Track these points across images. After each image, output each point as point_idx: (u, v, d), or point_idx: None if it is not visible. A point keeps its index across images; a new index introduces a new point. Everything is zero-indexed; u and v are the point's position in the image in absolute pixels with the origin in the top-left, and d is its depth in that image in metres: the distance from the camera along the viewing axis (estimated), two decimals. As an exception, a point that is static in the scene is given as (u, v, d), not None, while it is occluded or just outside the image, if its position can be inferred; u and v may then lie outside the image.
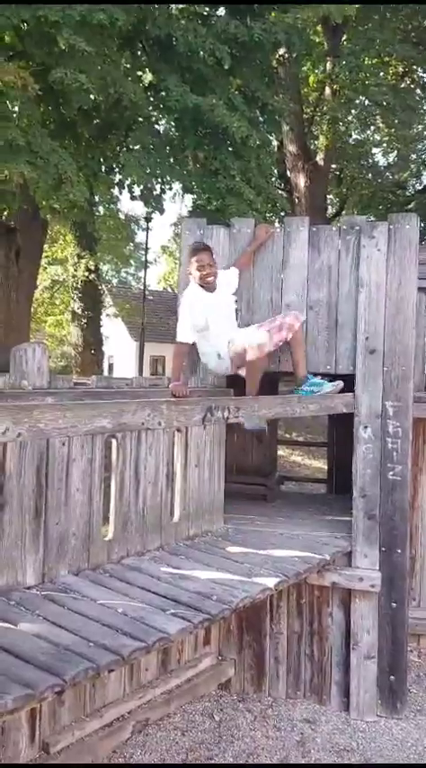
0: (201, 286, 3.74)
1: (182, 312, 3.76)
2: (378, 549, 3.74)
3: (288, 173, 14.60)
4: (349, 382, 3.76)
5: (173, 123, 8.55)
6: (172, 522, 3.46)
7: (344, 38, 12.01)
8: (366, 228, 3.76)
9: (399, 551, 3.74)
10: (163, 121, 9.01)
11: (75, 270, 17.22)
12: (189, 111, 7.47)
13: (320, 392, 3.64)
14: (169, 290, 28.15)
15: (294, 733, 3.59)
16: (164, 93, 7.80)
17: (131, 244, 21.67)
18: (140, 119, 8.22)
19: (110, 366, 25.60)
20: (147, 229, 19.42)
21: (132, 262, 25.20)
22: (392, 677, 3.75)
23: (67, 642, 2.20)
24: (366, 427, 3.76)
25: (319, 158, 14.12)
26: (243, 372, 3.69)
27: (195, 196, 8.63)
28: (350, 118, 12.74)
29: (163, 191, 9.06)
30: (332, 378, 3.75)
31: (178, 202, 16.14)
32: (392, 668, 3.75)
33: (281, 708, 3.81)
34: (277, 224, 4.16)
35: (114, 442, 3.04)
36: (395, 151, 15.48)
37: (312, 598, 3.88)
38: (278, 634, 3.93)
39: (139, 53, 8.73)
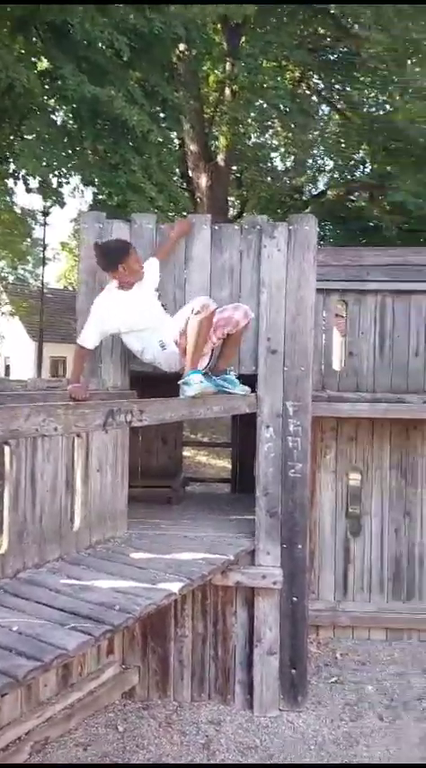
0: (119, 288, 3.57)
1: (93, 316, 3.54)
2: (280, 545, 3.79)
3: (190, 172, 14.62)
4: (250, 383, 3.78)
5: (70, 114, 8.28)
6: (72, 531, 3.32)
7: (243, 39, 12.16)
8: (266, 228, 3.78)
9: (299, 547, 3.81)
10: (60, 111, 8.71)
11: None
12: (87, 102, 7.26)
13: (228, 390, 3.61)
14: (70, 288, 27.34)
15: (199, 736, 3.56)
16: (60, 82, 7.53)
17: (29, 239, 20.82)
18: (35, 107, 7.89)
19: (7, 368, 24.57)
20: (45, 224, 18.78)
21: (30, 258, 24.27)
22: (293, 671, 3.82)
23: None
24: (268, 427, 3.79)
25: (220, 159, 14.24)
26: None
27: (95, 190, 8.41)
28: (249, 120, 12.93)
29: (61, 184, 8.76)
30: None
31: (78, 197, 15.67)
32: (293, 662, 3.82)
33: (186, 712, 3.78)
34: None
35: (7, 448, 2.86)
36: (292, 156, 15.91)
37: (216, 599, 3.87)
38: (182, 637, 3.89)
39: (34, 39, 8.37)
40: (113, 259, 3.52)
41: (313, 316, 3.81)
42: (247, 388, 3.70)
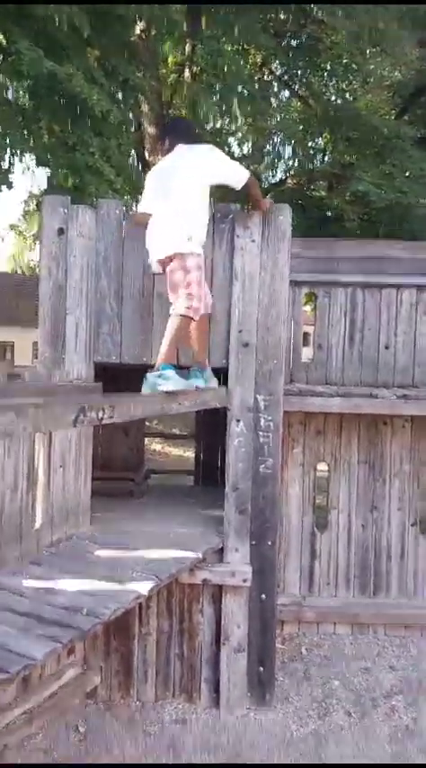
0: None
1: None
2: (249, 542, 3.73)
3: (147, 154, 14.29)
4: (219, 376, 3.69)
5: (25, 90, 7.89)
6: (33, 529, 3.16)
7: (204, 20, 11.89)
8: (240, 218, 3.67)
9: (269, 544, 3.75)
10: (13, 88, 8.28)
11: None
12: (44, 79, 6.92)
13: (200, 386, 3.48)
14: (18, 271, 26.41)
15: (164, 736, 3.48)
16: (14, 57, 7.14)
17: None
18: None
19: None
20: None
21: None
22: (261, 668, 3.77)
23: None
24: (238, 421, 3.71)
25: (178, 143, 13.95)
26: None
27: (50, 171, 8.07)
28: (209, 103, 12.71)
29: (11, 163, 8.35)
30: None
31: (30, 177, 15.03)
32: (261, 660, 3.77)
33: (150, 711, 3.69)
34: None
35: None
36: (251, 142, 15.75)
37: (183, 596, 3.78)
38: (146, 635, 3.80)
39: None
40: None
41: (287, 308, 3.73)
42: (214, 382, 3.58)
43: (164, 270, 3.30)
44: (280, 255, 3.66)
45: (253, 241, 3.64)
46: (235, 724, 3.61)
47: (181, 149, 3.38)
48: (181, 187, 3.23)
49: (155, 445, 10.87)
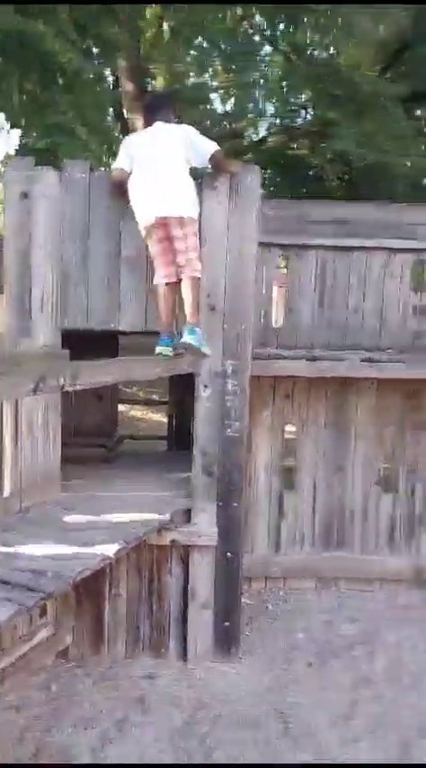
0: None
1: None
2: (216, 504, 3.81)
3: (126, 112, 13.91)
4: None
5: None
6: (2, 498, 3.20)
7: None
8: (207, 179, 3.63)
9: (235, 505, 3.84)
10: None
11: None
12: (12, 37, 6.67)
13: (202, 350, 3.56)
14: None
15: (133, 690, 3.61)
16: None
17: None
18: None
19: None
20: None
21: None
22: (226, 623, 3.90)
23: None
24: (206, 386, 3.74)
25: (157, 99, 13.61)
26: None
27: (22, 132, 7.85)
28: (188, 59, 12.36)
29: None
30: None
31: (5, 139, 14.54)
32: (226, 615, 3.90)
33: (121, 668, 3.82)
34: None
35: None
36: (232, 98, 15.39)
37: (151, 557, 3.88)
38: (116, 596, 3.90)
39: None
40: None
41: (254, 272, 3.73)
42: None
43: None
44: (248, 217, 3.64)
45: (220, 203, 3.61)
46: (200, 676, 3.75)
47: (159, 126, 3.57)
48: (168, 161, 3.43)
49: (134, 411, 10.90)
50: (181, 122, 3.71)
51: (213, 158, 3.51)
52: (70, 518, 3.35)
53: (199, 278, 3.47)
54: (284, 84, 12.86)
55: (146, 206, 3.43)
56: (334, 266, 4.48)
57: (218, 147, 3.49)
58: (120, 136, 12.55)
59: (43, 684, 3.59)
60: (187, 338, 3.42)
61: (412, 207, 4.72)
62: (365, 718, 3.43)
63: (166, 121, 3.59)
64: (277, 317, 4.95)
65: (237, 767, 3.08)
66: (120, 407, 10.35)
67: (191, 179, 3.51)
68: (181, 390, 5.41)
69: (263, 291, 4.49)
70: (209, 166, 3.58)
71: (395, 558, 4.75)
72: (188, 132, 3.52)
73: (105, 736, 3.22)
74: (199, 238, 3.55)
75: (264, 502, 4.70)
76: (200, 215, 3.57)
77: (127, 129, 13.92)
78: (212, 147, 3.49)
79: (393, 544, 4.76)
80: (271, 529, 4.72)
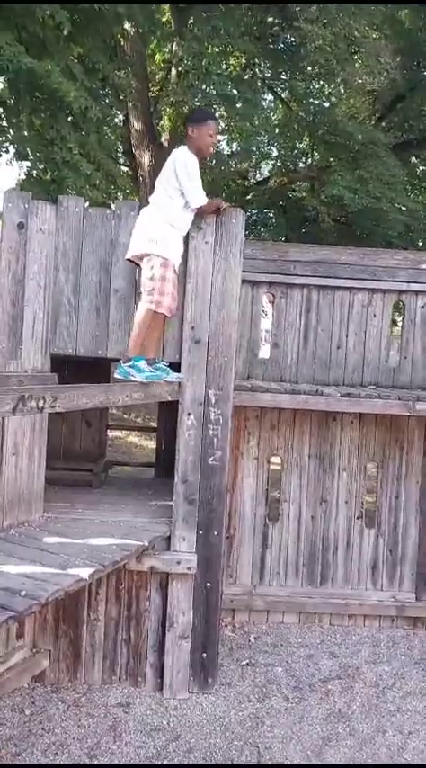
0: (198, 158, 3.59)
1: (197, 172, 3.57)
2: (196, 532, 3.85)
3: (134, 149, 14.34)
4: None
5: (5, 85, 7.95)
6: (-18, 515, 3.26)
7: (191, 20, 11.97)
8: (197, 220, 3.79)
9: (215, 534, 3.88)
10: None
11: None
12: (23, 74, 6.99)
13: (166, 379, 3.62)
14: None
15: (107, 718, 3.60)
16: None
17: None
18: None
19: None
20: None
21: None
22: (204, 654, 3.90)
23: None
24: (189, 414, 3.83)
25: (164, 139, 14.04)
26: None
27: (29, 165, 8.14)
28: (193, 103, 12.78)
29: (-5, 154, 8.41)
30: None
31: (16, 167, 14.88)
32: (204, 646, 3.90)
33: (96, 694, 3.80)
34: (113, 205, 4.04)
35: None
36: (236, 141, 15.86)
37: (130, 583, 3.89)
38: (95, 621, 3.90)
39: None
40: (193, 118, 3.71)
41: (237, 307, 3.86)
42: (181, 375, 3.75)
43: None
44: (233, 257, 3.79)
45: (207, 242, 3.76)
46: (176, 707, 3.73)
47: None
48: (155, 192, 3.63)
49: (132, 437, 10.97)
50: (187, 140, 3.70)
51: (200, 209, 3.62)
52: (49, 539, 3.40)
53: (148, 309, 3.46)
54: (285, 130, 13.27)
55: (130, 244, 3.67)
56: (319, 305, 4.63)
57: (203, 203, 3.56)
58: (128, 171, 12.92)
59: (17, 707, 3.58)
60: (162, 376, 3.58)
61: (388, 251, 4.88)
62: (339, 753, 3.40)
63: (182, 142, 3.71)
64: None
65: (237, 767, 3.08)
66: (117, 433, 10.45)
67: (169, 209, 3.55)
68: (169, 418, 5.48)
69: (251, 326, 4.63)
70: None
71: (378, 592, 4.76)
72: (174, 160, 3.56)
73: (75, 762, 3.20)
74: (185, 275, 3.71)
75: (249, 533, 4.73)
76: (186, 251, 3.72)
77: (135, 165, 14.35)
78: (196, 201, 3.54)
79: (375, 579, 4.77)
80: (256, 560, 4.74)
